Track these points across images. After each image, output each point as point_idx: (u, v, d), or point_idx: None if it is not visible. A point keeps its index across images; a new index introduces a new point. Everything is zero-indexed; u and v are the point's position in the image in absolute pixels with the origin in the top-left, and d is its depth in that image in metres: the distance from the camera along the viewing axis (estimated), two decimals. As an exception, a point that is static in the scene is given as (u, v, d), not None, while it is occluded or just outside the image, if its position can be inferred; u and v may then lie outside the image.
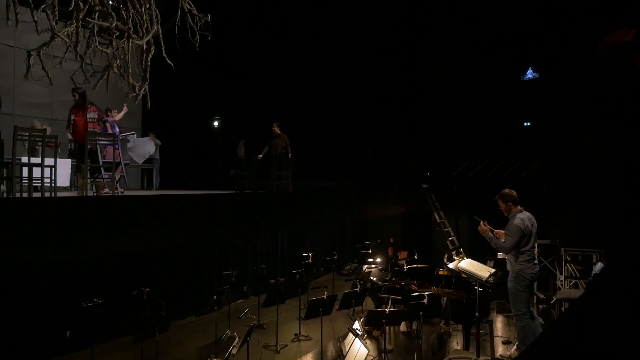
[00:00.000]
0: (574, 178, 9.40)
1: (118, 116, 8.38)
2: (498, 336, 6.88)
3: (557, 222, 8.99)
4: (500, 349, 6.42)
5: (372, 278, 8.05)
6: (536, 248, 6.21)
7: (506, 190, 5.74)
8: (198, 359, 6.17)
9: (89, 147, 6.01)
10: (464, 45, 16.16)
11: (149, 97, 6.63)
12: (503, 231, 5.77)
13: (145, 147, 9.58)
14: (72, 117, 6.50)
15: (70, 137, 6.91)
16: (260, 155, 9.74)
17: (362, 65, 15.50)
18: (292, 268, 8.34)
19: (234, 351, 4.89)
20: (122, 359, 6.07)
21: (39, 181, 5.43)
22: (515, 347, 6.21)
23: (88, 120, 6.42)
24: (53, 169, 5.58)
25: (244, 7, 13.08)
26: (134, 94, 6.51)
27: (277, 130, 9.80)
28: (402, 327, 7.07)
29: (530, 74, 16.48)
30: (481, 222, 5.76)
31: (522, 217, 5.55)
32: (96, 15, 5.63)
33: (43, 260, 5.64)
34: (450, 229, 10.32)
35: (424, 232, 12.14)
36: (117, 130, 8.38)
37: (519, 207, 5.65)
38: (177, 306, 7.47)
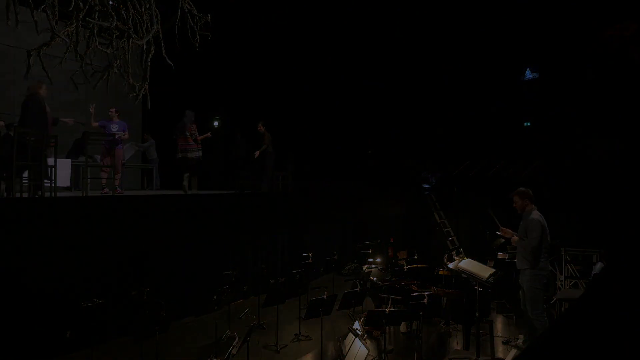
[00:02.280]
0: (574, 178, 9.40)
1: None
2: (498, 336, 6.88)
3: (557, 222, 8.99)
4: (500, 349, 6.42)
5: (372, 278, 8.04)
6: None
7: (523, 188, 5.80)
8: (198, 359, 6.16)
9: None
10: (464, 45, 16.16)
11: (149, 97, 6.63)
12: (509, 229, 5.86)
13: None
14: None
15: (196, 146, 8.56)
16: (258, 153, 9.90)
17: (362, 65, 15.50)
18: (292, 268, 8.31)
19: (234, 351, 4.88)
20: (122, 359, 6.07)
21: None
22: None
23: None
24: (53, 169, 5.59)
25: (244, 7, 13.07)
26: (134, 94, 6.50)
27: (261, 128, 9.92)
28: (402, 327, 7.07)
29: (530, 74, 16.47)
30: (501, 231, 5.85)
31: (539, 214, 5.61)
32: (96, 15, 5.63)
33: (43, 261, 5.64)
34: (450, 229, 10.33)
35: (424, 232, 12.13)
36: (114, 129, 8.36)
37: (534, 206, 5.70)
38: (177, 306, 7.45)
